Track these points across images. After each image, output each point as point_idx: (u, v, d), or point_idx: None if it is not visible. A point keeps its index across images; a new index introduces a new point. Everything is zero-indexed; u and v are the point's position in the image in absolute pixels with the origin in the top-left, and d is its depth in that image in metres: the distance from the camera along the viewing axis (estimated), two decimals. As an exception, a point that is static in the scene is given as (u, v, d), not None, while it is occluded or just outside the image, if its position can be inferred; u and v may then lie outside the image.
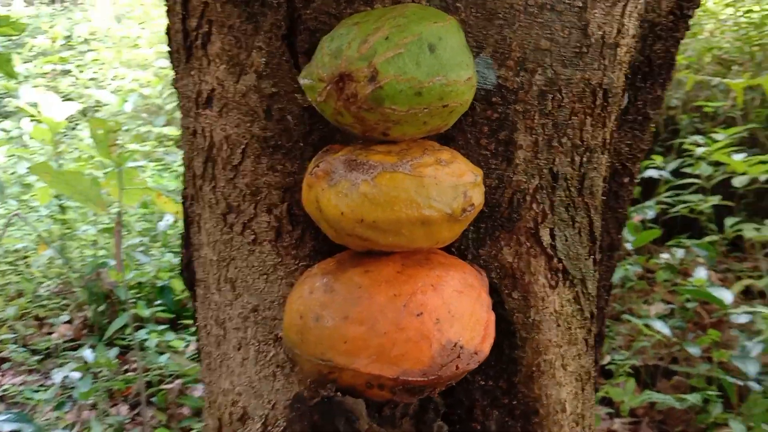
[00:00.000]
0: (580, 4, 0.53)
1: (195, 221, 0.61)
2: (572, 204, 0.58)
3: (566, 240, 0.58)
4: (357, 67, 0.44)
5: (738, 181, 2.12)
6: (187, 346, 2.06)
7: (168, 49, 0.62)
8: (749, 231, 2.10)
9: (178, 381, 1.93)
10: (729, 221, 2.13)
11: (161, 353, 1.92)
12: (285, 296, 0.57)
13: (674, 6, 0.68)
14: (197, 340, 0.65)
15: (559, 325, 0.59)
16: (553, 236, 0.57)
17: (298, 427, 0.48)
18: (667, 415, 1.95)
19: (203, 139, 0.58)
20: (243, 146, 0.56)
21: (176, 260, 2.24)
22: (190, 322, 2.14)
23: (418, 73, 0.44)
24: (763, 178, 2.09)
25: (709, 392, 1.78)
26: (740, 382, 1.77)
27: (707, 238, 2.22)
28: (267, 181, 0.56)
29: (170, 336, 1.95)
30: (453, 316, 0.48)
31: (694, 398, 1.78)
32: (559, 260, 0.58)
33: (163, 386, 1.86)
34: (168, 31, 0.62)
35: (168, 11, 0.61)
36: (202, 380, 0.66)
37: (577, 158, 0.57)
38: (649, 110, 0.72)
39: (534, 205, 0.56)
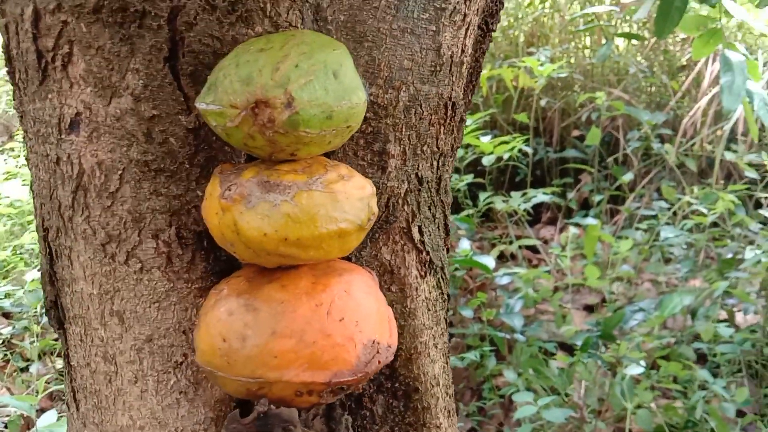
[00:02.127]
0: (434, 29, 0.60)
1: (63, 254, 0.57)
2: (433, 203, 0.66)
3: (430, 234, 0.66)
4: (273, 94, 0.46)
5: (486, 161, 2.42)
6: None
7: (7, 69, 0.56)
8: (499, 203, 2.42)
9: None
10: (482, 196, 2.43)
11: None
12: (180, 322, 0.57)
13: (481, 22, 0.79)
14: (70, 382, 0.60)
15: (429, 309, 0.67)
16: (421, 233, 0.64)
17: (234, 446, 0.48)
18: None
19: (70, 166, 0.55)
20: (120, 171, 0.54)
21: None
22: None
23: (328, 98, 0.48)
24: (506, 156, 2.42)
25: (484, 348, 2.03)
26: (508, 336, 2.06)
27: (464, 212, 2.50)
28: (150, 206, 0.55)
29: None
30: (367, 316, 0.52)
31: (472, 355, 2.01)
32: (427, 253, 0.65)
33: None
34: (7, 50, 0.56)
35: (5, 28, 0.55)
36: (73, 423, 0.62)
37: (434, 163, 0.65)
38: (463, 113, 0.82)
39: (405, 207, 0.63)
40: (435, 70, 0.61)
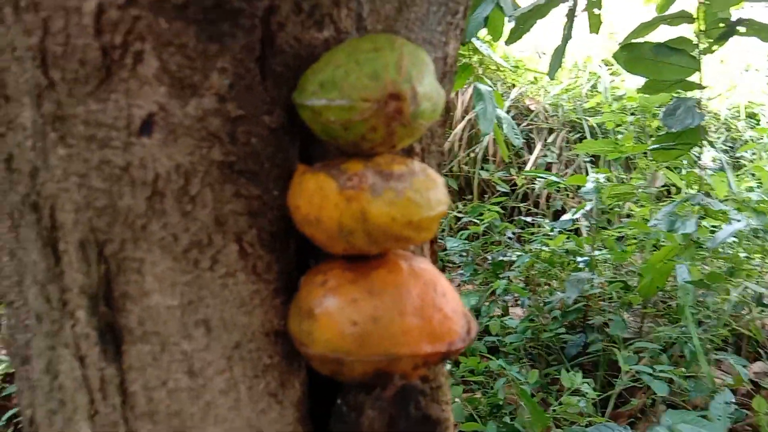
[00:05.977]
0: (444, 40, 0.68)
1: (130, 269, 0.52)
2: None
3: (433, 226, 0.73)
4: (404, 88, 0.50)
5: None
6: None
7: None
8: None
9: None
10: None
11: None
12: (263, 324, 0.56)
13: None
14: (129, 409, 0.54)
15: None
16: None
17: (377, 423, 0.50)
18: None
19: (143, 172, 0.51)
20: (201, 174, 0.52)
21: None
22: None
23: (433, 93, 0.53)
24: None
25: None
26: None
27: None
28: (232, 208, 0.54)
29: None
30: (453, 290, 0.58)
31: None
32: (438, 244, 0.72)
33: None
34: (41, 49, 0.50)
35: (43, 23, 0.50)
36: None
37: (439, 160, 0.72)
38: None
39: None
40: (442, 77, 0.69)
